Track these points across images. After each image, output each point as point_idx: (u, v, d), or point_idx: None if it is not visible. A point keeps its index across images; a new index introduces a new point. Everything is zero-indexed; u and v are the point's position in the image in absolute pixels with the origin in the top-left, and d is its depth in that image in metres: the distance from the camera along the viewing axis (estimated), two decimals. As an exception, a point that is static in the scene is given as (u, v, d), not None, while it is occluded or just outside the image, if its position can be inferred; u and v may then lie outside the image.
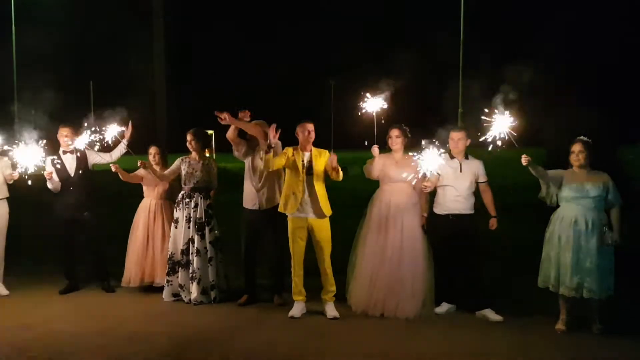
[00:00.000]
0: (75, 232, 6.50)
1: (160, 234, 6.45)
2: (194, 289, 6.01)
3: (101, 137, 6.39)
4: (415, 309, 5.54)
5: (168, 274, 6.14)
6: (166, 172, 6.34)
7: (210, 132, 8.85)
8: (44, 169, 6.18)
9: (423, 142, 5.48)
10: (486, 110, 5.21)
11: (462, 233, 5.57)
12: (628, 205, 5.30)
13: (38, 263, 7.66)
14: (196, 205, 6.08)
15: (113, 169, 6.33)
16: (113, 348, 4.86)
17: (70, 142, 6.36)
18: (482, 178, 5.71)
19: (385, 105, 5.80)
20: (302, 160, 5.58)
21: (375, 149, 5.81)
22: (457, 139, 5.65)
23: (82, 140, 6.35)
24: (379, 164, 5.80)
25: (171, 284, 6.15)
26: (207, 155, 6.50)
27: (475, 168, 5.68)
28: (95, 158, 6.53)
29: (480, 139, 5.24)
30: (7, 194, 6.38)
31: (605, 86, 11.71)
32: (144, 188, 6.61)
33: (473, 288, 5.64)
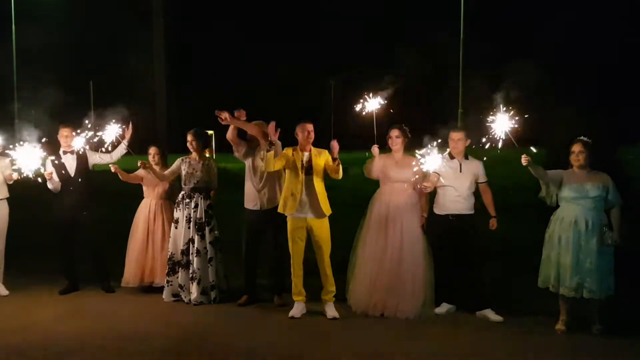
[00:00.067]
0: (75, 232, 6.50)
1: (160, 234, 6.45)
2: (194, 289, 6.00)
3: (101, 138, 6.38)
4: (415, 309, 5.54)
5: (168, 274, 6.14)
6: (166, 172, 6.34)
7: (210, 132, 8.84)
8: (42, 172, 6.18)
9: (425, 139, 5.49)
10: (486, 110, 5.22)
11: (462, 233, 5.57)
12: (628, 206, 5.30)
13: (38, 263, 7.66)
14: (196, 206, 6.08)
15: (113, 170, 6.34)
16: (113, 348, 4.86)
17: (70, 143, 6.36)
18: (482, 178, 5.71)
19: (385, 105, 5.80)
20: (302, 160, 5.58)
21: (375, 149, 5.81)
22: (457, 139, 5.65)
23: (82, 141, 6.36)
24: (379, 164, 5.80)
25: (171, 284, 6.14)
26: (207, 155, 6.51)
27: (475, 168, 5.68)
28: (96, 159, 6.53)
29: (483, 140, 5.25)
30: (7, 194, 6.38)
31: (605, 86, 11.70)
32: (144, 188, 6.61)
33: (473, 288, 5.64)
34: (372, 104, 5.81)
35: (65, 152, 6.41)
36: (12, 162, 6.16)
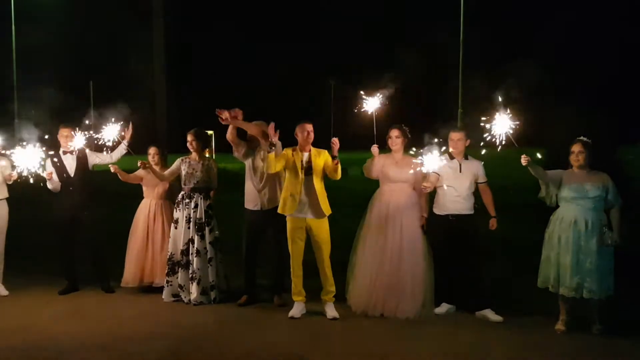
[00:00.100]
0: (75, 233, 6.50)
1: (160, 235, 6.45)
2: (193, 290, 6.00)
3: (102, 139, 6.37)
4: (415, 310, 5.54)
5: (168, 275, 6.14)
6: (166, 172, 6.34)
7: (210, 132, 8.84)
8: (42, 173, 6.18)
9: (425, 139, 5.49)
10: (486, 110, 5.22)
11: (462, 233, 5.57)
12: (628, 206, 5.30)
13: (38, 263, 7.66)
14: (196, 206, 6.07)
15: (112, 170, 6.33)
16: (113, 349, 4.85)
17: (70, 143, 6.36)
18: (482, 178, 5.71)
19: (386, 104, 5.80)
20: (302, 161, 5.58)
21: (375, 149, 5.81)
22: (457, 139, 5.65)
23: (82, 141, 6.35)
24: (379, 164, 5.80)
25: (171, 285, 6.14)
26: (207, 155, 6.50)
27: (474, 168, 5.68)
28: (95, 159, 6.53)
29: (483, 140, 5.25)
30: (7, 195, 6.38)
31: (605, 86, 11.70)
32: (144, 188, 6.61)
33: (473, 288, 5.64)
34: (372, 104, 5.80)
35: (65, 152, 6.41)
36: (12, 163, 6.16)
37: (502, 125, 5.15)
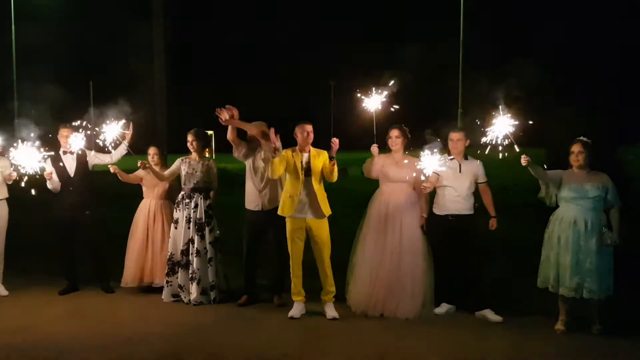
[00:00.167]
0: (75, 233, 6.50)
1: (159, 235, 6.45)
2: (193, 290, 6.00)
3: (102, 139, 6.36)
4: (415, 310, 5.54)
5: (168, 275, 6.14)
6: (166, 172, 6.34)
7: (210, 132, 8.84)
8: (42, 171, 6.17)
9: (425, 138, 5.49)
10: (486, 110, 5.22)
11: (462, 233, 5.57)
12: (628, 206, 5.30)
13: (38, 263, 7.66)
14: (196, 206, 6.07)
15: (112, 170, 6.33)
16: (112, 349, 4.86)
17: (70, 143, 6.35)
18: (482, 178, 5.71)
19: (386, 104, 5.79)
20: (301, 162, 5.57)
21: (374, 148, 5.81)
22: (457, 139, 5.65)
23: (82, 141, 6.34)
24: (379, 164, 5.80)
25: (171, 285, 6.14)
26: (207, 155, 6.50)
27: (474, 168, 5.68)
28: (95, 159, 6.53)
29: (484, 141, 5.25)
30: (7, 195, 6.38)
31: (605, 86, 11.71)
32: (144, 189, 6.61)
33: (473, 288, 5.64)
34: (372, 104, 5.79)
35: (65, 152, 6.41)
36: (12, 164, 6.16)
37: (502, 127, 5.14)
